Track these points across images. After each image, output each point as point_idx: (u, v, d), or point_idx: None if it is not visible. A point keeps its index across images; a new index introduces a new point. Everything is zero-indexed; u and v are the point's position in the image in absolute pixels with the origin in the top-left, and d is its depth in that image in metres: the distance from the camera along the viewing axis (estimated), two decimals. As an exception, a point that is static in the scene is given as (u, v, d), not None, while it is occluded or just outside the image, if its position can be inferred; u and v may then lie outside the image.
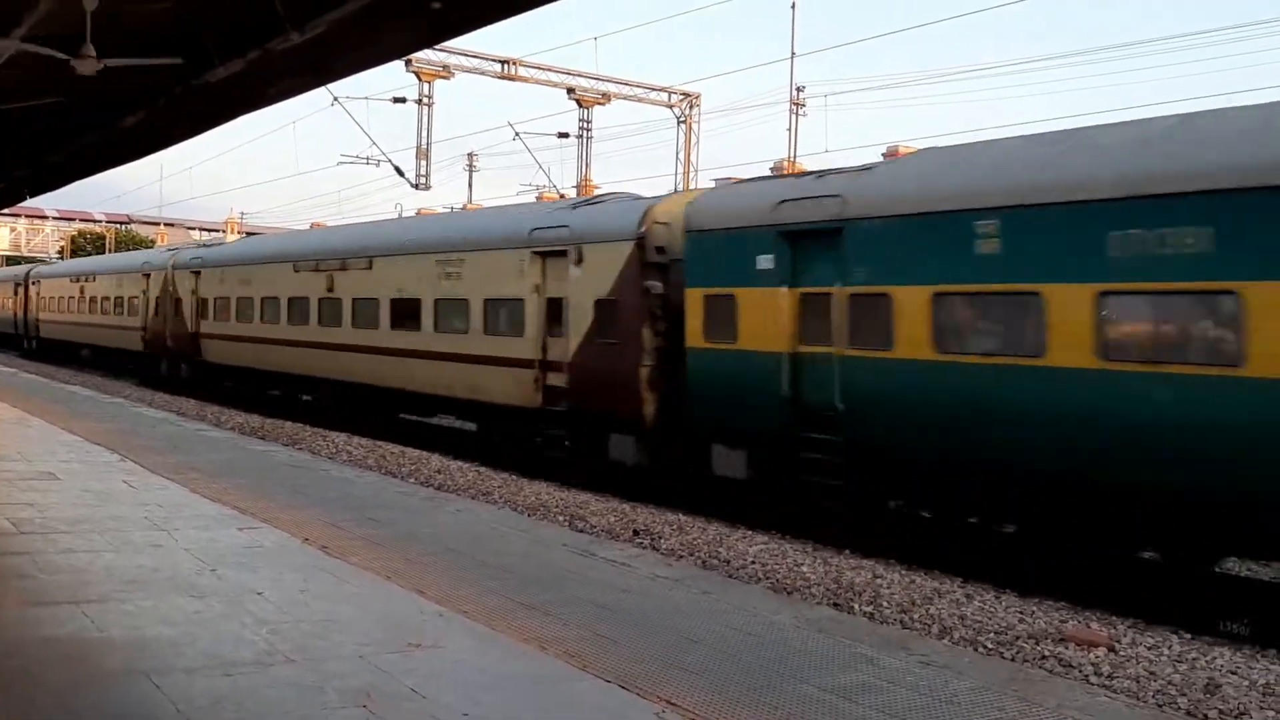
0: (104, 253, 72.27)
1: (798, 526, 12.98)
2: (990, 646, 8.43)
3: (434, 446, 19.52)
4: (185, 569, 8.03)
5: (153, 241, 76.67)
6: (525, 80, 37.84)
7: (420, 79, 36.34)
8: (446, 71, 36.18)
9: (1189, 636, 9.06)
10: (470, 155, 55.57)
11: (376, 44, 11.17)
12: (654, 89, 41.14)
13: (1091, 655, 8.11)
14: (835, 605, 9.36)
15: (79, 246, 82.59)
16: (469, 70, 36.59)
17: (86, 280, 40.54)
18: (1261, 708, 7.14)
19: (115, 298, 37.14)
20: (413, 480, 15.21)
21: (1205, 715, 7.03)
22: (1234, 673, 7.83)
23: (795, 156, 36.42)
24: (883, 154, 13.96)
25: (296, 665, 5.87)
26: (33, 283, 48.67)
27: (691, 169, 40.05)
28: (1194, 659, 8.16)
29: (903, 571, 10.86)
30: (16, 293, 51.45)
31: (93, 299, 39.64)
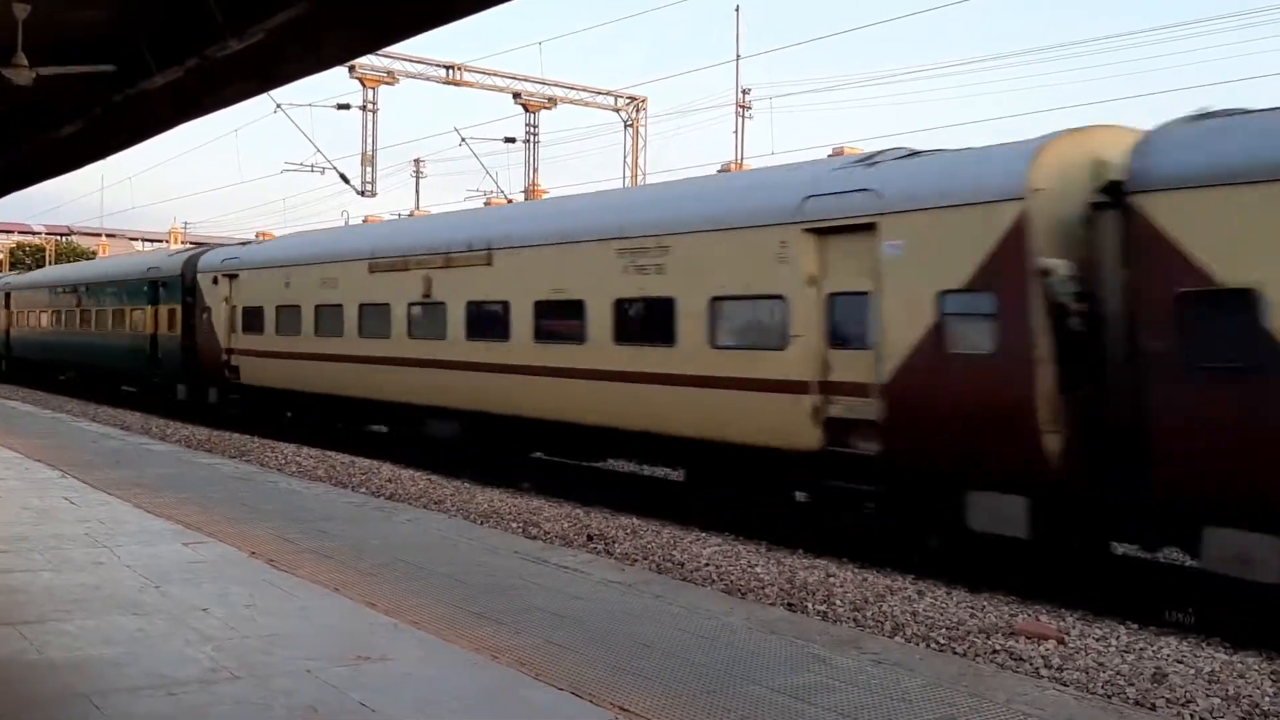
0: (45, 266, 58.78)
1: (751, 528, 13.00)
2: (942, 642, 8.49)
3: (384, 456, 19.33)
4: (128, 586, 7.87)
5: (94, 253, 74.14)
6: (470, 85, 37.74)
7: (364, 85, 36.10)
8: (391, 77, 35.97)
9: (1136, 627, 9.20)
10: (417, 161, 55.32)
11: (317, 50, 11.09)
12: (600, 93, 41.17)
13: (1041, 648, 8.20)
14: (789, 605, 9.38)
15: (18, 259, 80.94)
16: (413, 76, 36.43)
17: (480, 259, 17.02)
18: (1207, 695, 7.27)
19: (692, 309, 13.48)
20: (363, 490, 15.05)
21: (1153, 704, 7.14)
22: (1180, 662, 7.97)
23: (742, 159, 36.59)
24: (829, 155, 14.04)
25: (242, 682, 5.76)
26: (213, 280, 25.50)
27: (639, 172, 40.13)
28: (1141, 649, 8.28)
29: (855, 570, 10.91)
30: (161, 298, 28.10)
31: (552, 310, 15.77)
